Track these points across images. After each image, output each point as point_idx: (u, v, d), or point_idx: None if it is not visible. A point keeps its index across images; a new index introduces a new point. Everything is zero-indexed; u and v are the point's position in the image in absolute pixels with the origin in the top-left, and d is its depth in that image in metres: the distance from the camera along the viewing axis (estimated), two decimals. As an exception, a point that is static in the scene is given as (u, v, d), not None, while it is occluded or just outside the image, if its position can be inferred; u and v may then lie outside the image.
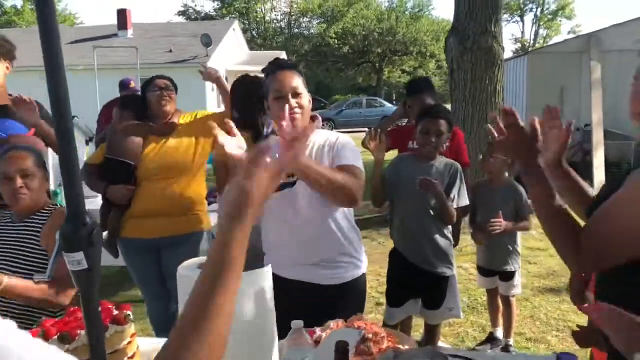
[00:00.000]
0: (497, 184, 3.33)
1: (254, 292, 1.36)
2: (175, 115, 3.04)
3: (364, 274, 2.14)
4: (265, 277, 1.40)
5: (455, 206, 2.75)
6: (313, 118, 2.05)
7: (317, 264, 2.01)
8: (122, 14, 24.46)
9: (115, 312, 1.54)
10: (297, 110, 1.91)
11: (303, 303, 1.84)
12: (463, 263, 5.03)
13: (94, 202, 4.41)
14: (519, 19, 49.00)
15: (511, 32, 52.16)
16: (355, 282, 2.08)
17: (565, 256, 1.31)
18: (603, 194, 1.33)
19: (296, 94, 1.93)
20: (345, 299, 2.02)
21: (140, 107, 3.07)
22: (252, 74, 3.14)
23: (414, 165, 2.83)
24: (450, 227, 2.87)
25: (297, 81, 1.95)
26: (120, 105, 3.20)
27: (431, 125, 2.73)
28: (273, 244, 2.09)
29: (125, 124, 3.01)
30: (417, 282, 2.81)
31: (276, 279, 1.98)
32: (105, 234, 3.08)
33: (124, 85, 5.90)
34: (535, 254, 5.23)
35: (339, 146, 2.00)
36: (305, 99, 1.96)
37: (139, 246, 3.00)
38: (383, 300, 4.31)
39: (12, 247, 2.07)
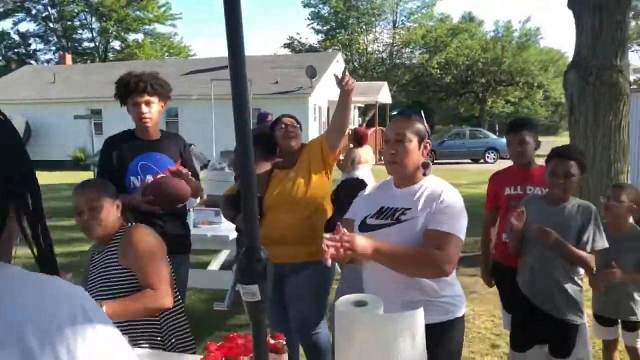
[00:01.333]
0: (620, 230, 3.15)
1: (409, 332, 1.41)
2: (301, 149, 3.20)
3: (456, 319, 2.10)
4: (418, 318, 1.45)
5: (589, 250, 2.65)
6: (425, 165, 2.14)
7: (404, 304, 1.98)
8: (233, 47, 25.87)
9: (272, 341, 1.65)
10: (393, 158, 2.06)
11: None
12: (586, 309, 4.75)
13: (218, 228, 4.73)
14: (638, 47, 46.14)
15: (630, 62, 49.14)
16: (445, 325, 2.06)
17: None
18: None
19: (398, 141, 2.05)
20: (433, 341, 1.99)
21: (269, 143, 3.27)
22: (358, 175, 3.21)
23: (543, 208, 2.76)
24: (581, 273, 2.76)
25: (404, 128, 2.06)
26: (252, 143, 3.43)
27: (560, 166, 2.68)
28: (367, 280, 2.17)
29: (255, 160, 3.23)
30: (545, 329, 2.72)
31: None
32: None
33: (261, 117, 6.31)
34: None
35: (439, 207, 2.01)
36: (409, 146, 2.05)
37: None
38: (499, 342, 4.20)
39: (100, 273, 2.25)
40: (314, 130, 22.10)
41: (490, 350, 4.08)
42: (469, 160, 22.94)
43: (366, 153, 7.05)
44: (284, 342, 1.66)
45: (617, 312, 3.20)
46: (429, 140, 2.12)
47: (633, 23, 43.70)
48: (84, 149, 22.03)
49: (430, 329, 1.99)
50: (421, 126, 2.09)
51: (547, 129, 43.01)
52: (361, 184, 3.21)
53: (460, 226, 1.98)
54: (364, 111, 31.48)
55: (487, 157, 22.80)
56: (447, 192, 2.06)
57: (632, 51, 46.17)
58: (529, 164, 3.25)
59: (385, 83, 28.53)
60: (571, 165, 2.67)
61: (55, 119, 23.12)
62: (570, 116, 6.43)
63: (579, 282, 2.74)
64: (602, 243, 2.68)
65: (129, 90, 2.99)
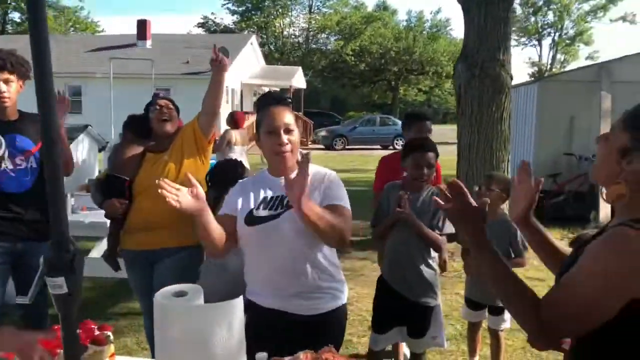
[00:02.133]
0: (491, 218, 3.33)
1: (226, 322, 1.42)
2: (177, 133, 3.12)
3: (344, 305, 2.15)
4: (237, 308, 1.46)
5: (439, 233, 2.81)
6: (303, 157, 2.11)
7: (296, 294, 2.02)
8: (142, 25, 24.90)
9: (97, 332, 1.60)
10: (287, 147, 1.99)
11: (281, 333, 1.88)
12: (461, 290, 5.02)
13: (98, 214, 4.53)
14: (536, 42, 49.06)
15: (528, 56, 52.14)
16: (334, 313, 2.09)
17: (525, 328, 1.30)
18: (569, 260, 1.35)
19: (288, 130, 2.00)
20: (324, 329, 2.03)
21: (143, 125, 3.17)
22: (233, 157, 3.17)
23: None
24: (436, 256, 2.91)
25: (289, 117, 2.03)
26: (125, 125, 3.30)
27: (422, 158, 2.81)
28: (254, 273, 2.11)
29: (125, 142, 3.13)
30: (402, 310, 2.85)
31: (256, 307, 2.04)
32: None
33: (155, 96, 6.23)
34: (534, 284, 5.07)
35: (328, 184, 2.04)
36: (296, 135, 2.04)
37: (135, 258, 3.07)
38: (377, 324, 4.36)
39: None
40: (225, 113, 21.75)
41: (368, 332, 4.20)
42: (379, 147, 23.51)
43: (241, 136, 7.49)
44: (109, 334, 1.62)
45: (486, 298, 3.40)
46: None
47: (533, 19, 46.56)
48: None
49: (321, 317, 2.02)
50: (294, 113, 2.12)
51: (455, 118, 44.84)
52: (236, 165, 3.19)
53: (347, 199, 2.06)
54: (278, 95, 31.33)
55: (396, 143, 23.46)
56: (328, 171, 2.11)
57: (531, 45, 49.14)
58: None
59: (300, 68, 28.56)
60: (431, 157, 2.82)
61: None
62: (458, 106, 6.73)
63: (434, 265, 2.88)
64: (451, 227, 2.84)
65: None
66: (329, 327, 2.07)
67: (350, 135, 23.67)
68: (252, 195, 2.09)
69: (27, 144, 2.90)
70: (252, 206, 2.05)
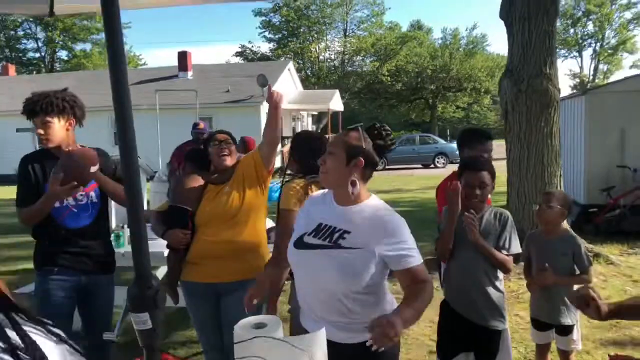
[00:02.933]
0: (553, 235, 3.26)
1: (307, 356, 1.40)
2: (236, 165, 3.17)
3: None
4: (319, 340, 1.45)
5: (506, 254, 2.74)
6: (351, 183, 1.99)
7: (335, 324, 1.98)
8: (183, 56, 25.59)
9: (175, 366, 1.61)
10: (321, 169, 2.03)
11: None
12: (520, 311, 4.89)
13: (154, 244, 4.60)
14: (577, 54, 48.11)
15: (569, 68, 51.11)
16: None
17: None
18: None
19: (329, 153, 2.02)
20: (371, 358, 1.91)
21: (203, 159, 3.24)
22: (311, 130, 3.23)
23: (461, 218, 2.83)
24: (503, 278, 2.84)
25: (336, 141, 2.05)
26: (185, 158, 3.39)
27: (474, 178, 2.76)
28: (301, 297, 2.12)
29: (188, 175, 3.20)
30: (468, 335, 2.78)
31: (303, 332, 2.02)
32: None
33: (194, 126, 6.83)
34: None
35: (390, 240, 1.93)
36: (338, 158, 1.99)
37: (197, 290, 3.08)
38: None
39: None
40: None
41: (427, 357, 4.13)
42: (420, 165, 23.34)
43: None
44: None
45: (552, 317, 3.27)
46: (361, 159, 1.95)
47: (572, 30, 45.72)
48: (27, 163, 21.21)
49: (364, 346, 1.96)
50: (356, 142, 1.97)
51: (496, 133, 44.09)
52: (315, 136, 3.24)
53: (413, 243, 1.96)
54: (317, 118, 31.62)
55: (437, 162, 23.26)
56: (396, 223, 1.97)
57: (572, 57, 48.17)
58: None
59: (337, 91, 28.71)
60: (484, 176, 2.77)
61: (-3, 132, 22.27)
62: (505, 123, 6.62)
63: (501, 287, 2.81)
64: (517, 247, 2.77)
65: (27, 114, 2.93)
66: (376, 356, 1.91)
67: (389, 156, 23.55)
68: (312, 217, 2.09)
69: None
70: (305, 230, 2.06)
